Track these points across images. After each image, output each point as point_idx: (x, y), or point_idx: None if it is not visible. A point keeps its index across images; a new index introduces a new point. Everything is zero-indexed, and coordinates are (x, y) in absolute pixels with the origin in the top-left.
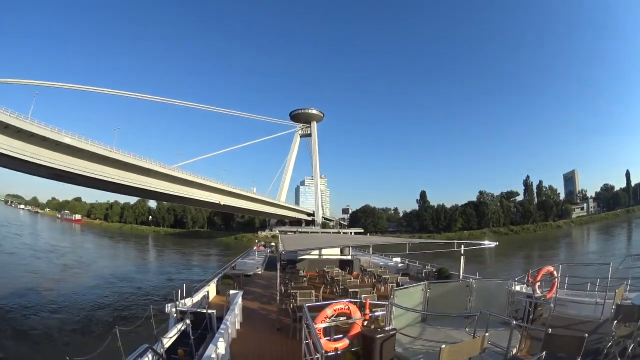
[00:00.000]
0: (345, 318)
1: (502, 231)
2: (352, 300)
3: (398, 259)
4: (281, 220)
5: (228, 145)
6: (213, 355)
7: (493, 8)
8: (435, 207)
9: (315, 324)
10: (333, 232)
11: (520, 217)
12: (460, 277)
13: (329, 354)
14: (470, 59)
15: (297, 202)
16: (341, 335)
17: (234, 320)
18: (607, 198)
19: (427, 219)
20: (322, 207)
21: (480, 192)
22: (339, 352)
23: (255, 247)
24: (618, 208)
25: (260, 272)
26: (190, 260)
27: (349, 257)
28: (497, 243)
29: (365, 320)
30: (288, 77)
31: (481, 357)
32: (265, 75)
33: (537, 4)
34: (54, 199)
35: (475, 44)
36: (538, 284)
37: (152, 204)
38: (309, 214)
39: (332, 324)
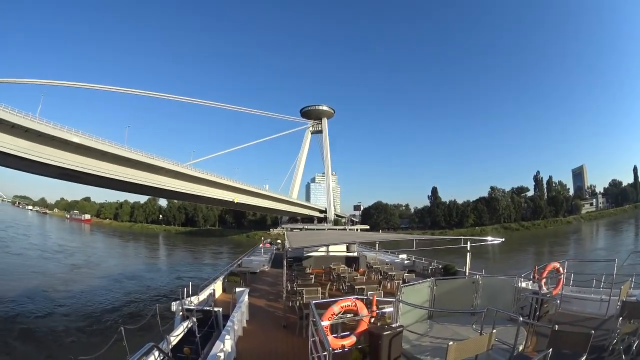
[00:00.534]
0: (352, 315)
1: (513, 227)
2: (359, 297)
3: (404, 256)
4: (293, 218)
5: (239, 144)
6: (219, 353)
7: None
8: (447, 203)
9: (322, 321)
10: (339, 229)
11: (531, 212)
12: (467, 274)
13: (336, 351)
14: (482, 57)
15: (307, 199)
16: (348, 333)
17: (240, 317)
18: (616, 194)
19: (439, 215)
20: (333, 203)
21: (492, 188)
22: (345, 349)
23: (261, 245)
24: (626, 204)
25: (266, 270)
26: (201, 259)
27: (355, 254)
28: (503, 239)
29: (372, 317)
30: (300, 76)
31: (488, 354)
32: (278, 75)
33: None
34: (62, 199)
35: (484, 45)
36: (544, 280)
37: (163, 202)
38: (321, 211)
39: (339, 321)
